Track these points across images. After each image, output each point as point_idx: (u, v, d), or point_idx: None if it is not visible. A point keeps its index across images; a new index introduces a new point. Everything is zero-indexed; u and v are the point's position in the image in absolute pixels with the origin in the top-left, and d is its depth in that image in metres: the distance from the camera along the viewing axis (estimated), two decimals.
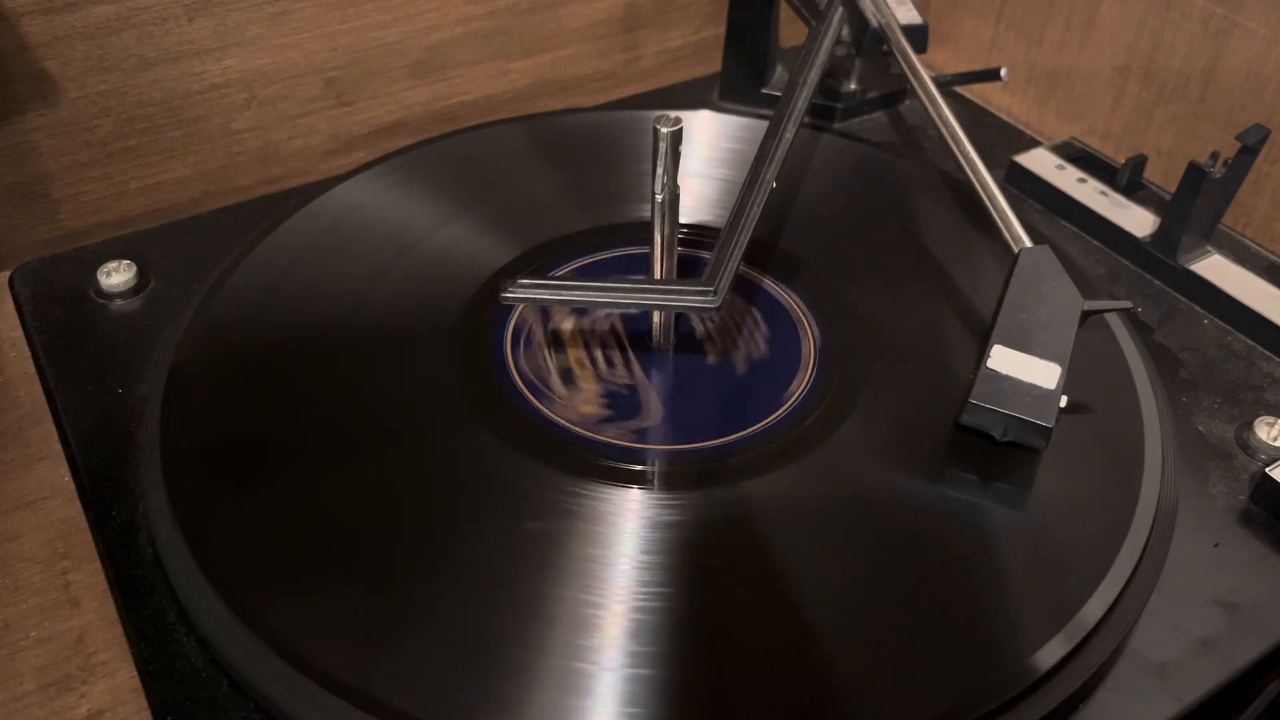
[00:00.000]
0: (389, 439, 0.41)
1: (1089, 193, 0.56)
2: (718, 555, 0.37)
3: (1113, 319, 0.47)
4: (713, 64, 0.66)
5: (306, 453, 0.40)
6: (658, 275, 0.44)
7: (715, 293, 0.41)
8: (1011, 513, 0.39)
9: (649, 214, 0.42)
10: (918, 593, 0.36)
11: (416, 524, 0.38)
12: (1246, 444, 0.44)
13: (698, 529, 0.38)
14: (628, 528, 0.38)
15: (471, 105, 0.66)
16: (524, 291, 0.42)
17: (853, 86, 0.63)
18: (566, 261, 0.49)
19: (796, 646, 0.34)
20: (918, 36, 0.59)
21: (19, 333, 0.48)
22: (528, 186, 0.54)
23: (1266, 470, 0.41)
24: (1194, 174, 0.49)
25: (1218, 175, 0.49)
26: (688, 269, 0.48)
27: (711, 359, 0.45)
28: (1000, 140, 0.62)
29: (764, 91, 0.63)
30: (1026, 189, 0.58)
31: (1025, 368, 0.41)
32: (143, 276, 0.49)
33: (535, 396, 0.42)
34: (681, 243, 0.46)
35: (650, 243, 0.43)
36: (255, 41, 0.57)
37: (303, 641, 0.34)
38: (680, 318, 0.46)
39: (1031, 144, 0.61)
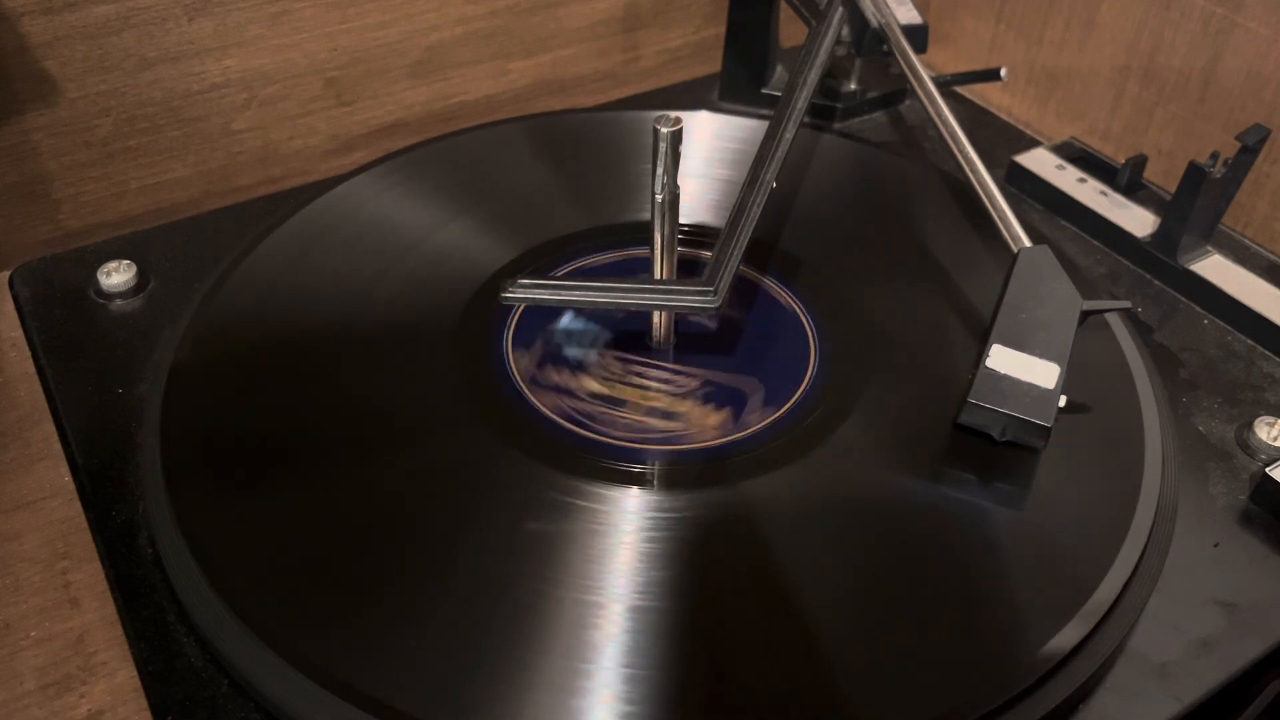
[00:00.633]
0: (389, 439, 0.41)
1: (1089, 193, 0.56)
2: (717, 555, 0.37)
3: (1113, 319, 0.47)
4: (713, 64, 0.66)
5: (306, 452, 0.40)
6: (658, 275, 0.44)
7: (715, 292, 0.41)
8: (1011, 513, 0.39)
9: (649, 214, 0.42)
10: (917, 593, 0.36)
11: (416, 524, 0.38)
12: (1246, 444, 0.44)
13: (698, 529, 0.38)
14: (627, 528, 0.38)
15: (471, 105, 0.66)
16: (524, 291, 0.42)
17: (853, 86, 0.63)
18: (566, 262, 0.49)
19: (795, 646, 0.34)
20: (918, 36, 0.59)
21: (19, 333, 0.48)
22: (528, 186, 0.54)
23: (1266, 470, 0.41)
24: (1194, 174, 0.49)
25: (1218, 175, 0.49)
26: (688, 269, 0.48)
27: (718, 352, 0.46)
28: (1000, 140, 0.62)
29: (764, 91, 0.63)
30: (1026, 189, 0.58)
31: (1024, 367, 0.41)
32: (143, 276, 0.49)
33: (568, 422, 0.42)
34: (681, 243, 0.46)
35: (650, 243, 0.43)
36: (255, 41, 0.57)
37: (303, 641, 0.34)
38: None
39: (1031, 144, 0.61)
